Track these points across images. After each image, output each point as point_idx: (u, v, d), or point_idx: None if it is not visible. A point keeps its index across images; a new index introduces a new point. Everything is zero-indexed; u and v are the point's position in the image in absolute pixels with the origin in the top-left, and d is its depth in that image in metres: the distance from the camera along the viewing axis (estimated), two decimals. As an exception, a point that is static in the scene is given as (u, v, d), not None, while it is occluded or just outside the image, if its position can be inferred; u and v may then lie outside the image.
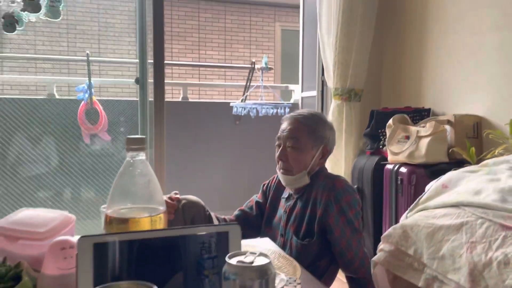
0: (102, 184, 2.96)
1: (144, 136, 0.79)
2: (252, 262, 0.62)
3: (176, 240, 0.75)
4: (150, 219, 0.77)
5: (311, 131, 1.50)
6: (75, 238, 0.99)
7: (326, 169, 1.59)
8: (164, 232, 0.74)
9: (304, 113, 1.55)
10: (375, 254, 1.35)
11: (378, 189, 2.28)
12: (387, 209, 2.21)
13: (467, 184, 1.33)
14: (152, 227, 0.78)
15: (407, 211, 1.42)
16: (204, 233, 0.76)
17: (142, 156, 0.80)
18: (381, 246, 1.31)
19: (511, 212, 1.12)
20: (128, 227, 0.76)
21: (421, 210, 1.34)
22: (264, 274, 0.60)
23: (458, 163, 2.09)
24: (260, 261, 0.62)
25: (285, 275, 1.06)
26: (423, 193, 1.45)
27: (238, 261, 0.62)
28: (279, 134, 1.55)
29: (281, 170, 1.54)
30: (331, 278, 1.55)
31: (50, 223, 0.94)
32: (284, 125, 1.55)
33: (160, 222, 0.79)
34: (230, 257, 0.64)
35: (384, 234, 1.31)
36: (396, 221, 2.13)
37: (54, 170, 2.89)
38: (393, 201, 2.15)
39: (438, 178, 1.49)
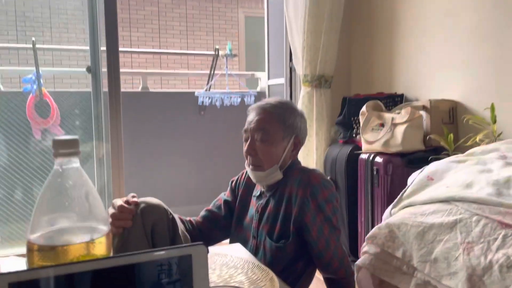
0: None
1: (77, 137, 0.61)
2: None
3: (126, 269, 0.57)
4: (86, 245, 0.59)
5: (280, 120, 1.36)
6: None
7: (299, 162, 1.45)
8: (109, 261, 0.56)
9: (271, 101, 1.40)
10: (351, 251, 1.23)
11: (352, 180, 2.17)
12: (362, 202, 2.10)
13: (455, 176, 1.22)
14: (92, 254, 0.60)
15: (390, 207, 1.30)
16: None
17: (75, 162, 0.62)
18: (365, 248, 1.19)
19: (509, 207, 1.00)
20: (58, 257, 0.58)
21: (407, 206, 1.22)
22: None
23: (435, 151, 2.00)
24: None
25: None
26: (406, 186, 1.34)
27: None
28: (246, 126, 1.39)
29: (250, 166, 1.39)
30: (308, 281, 1.42)
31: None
32: (251, 117, 1.39)
33: (103, 247, 0.62)
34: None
35: (369, 234, 1.18)
36: (373, 215, 2.02)
37: (1, 169, 2.62)
38: (368, 193, 2.04)
39: (421, 169, 1.38)
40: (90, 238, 0.61)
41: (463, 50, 2.06)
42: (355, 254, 2.16)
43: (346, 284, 1.34)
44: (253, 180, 1.42)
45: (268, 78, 3.62)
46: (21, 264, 0.90)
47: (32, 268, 0.58)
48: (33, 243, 0.59)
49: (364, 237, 2.12)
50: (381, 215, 1.99)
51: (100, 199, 0.64)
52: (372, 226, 2.05)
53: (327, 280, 1.43)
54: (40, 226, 0.60)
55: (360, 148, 2.17)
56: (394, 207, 1.27)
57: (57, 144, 0.60)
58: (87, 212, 0.61)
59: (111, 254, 0.64)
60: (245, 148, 1.38)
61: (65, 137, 0.60)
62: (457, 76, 2.09)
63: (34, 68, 2.63)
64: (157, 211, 1.31)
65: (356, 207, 2.15)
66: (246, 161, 1.41)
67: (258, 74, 4.30)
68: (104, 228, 0.63)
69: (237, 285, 0.98)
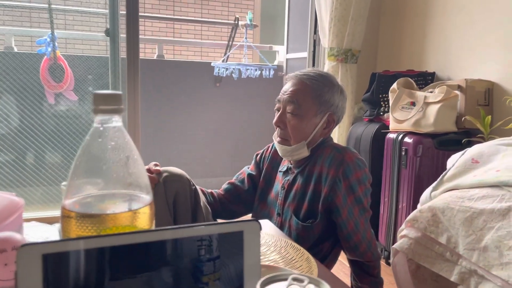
0: (68, 149, 2.66)
1: (120, 93, 0.53)
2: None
3: (166, 242, 0.51)
4: (132, 214, 0.52)
5: (316, 95, 1.26)
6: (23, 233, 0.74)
7: (331, 139, 1.36)
8: (153, 235, 0.49)
9: (311, 73, 1.30)
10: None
11: (377, 160, 2.08)
12: (387, 183, 2.02)
13: (505, 160, 1.13)
14: (134, 226, 0.53)
15: (430, 189, 1.22)
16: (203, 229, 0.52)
17: (117, 121, 0.54)
18: (404, 231, 1.11)
19: None
20: (96, 225, 0.51)
21: (451, 189, 1.14)
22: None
23: (467, 133, 1.91)
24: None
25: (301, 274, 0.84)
26: (447, 169, 1.25)
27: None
28: (279, 96, 1.31)
29: (278, 139, 1.31)
30: (333, 261, 1.37)
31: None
32: (286, 86, 1.31)
33: (145, 218, 0.54)
34: (263, 286, 0.40)
35: (409, 217, 1.10)
36: (397, 197, 1.95)
37: (14, 131, 2.56)
38: (394, 174, 1.96)
39: (463, 151, 1.29)
40: (132, 208, 0.53)
41: (502, 28, 1.94)
42: (375, 236, 2.11)
43: (372, 268, 1.29)
44: (279, 153, 1.35)
45: (287, 52, 3.51)
46: (45, 231, 0.83)
47: (67, 238, 0.51)
48: (68, 210, 0.52)
49: (386, 219, 2.06)
50: (407, 197, 1.91)
51: (143, 164, 0.56)
52: (397, 208, 1.98)
53: (352, 262, 1.37)
54: (77, 191, 0.53)
55: (387, 127, 2.08)
56: (434, 189, 1.19)
57: (98, 98, 0.52)
58: (129, 177, 0.54)
59: (153, 227, 0.57)
60: (275, 118, 1.31)
61: (106, 91, 0.52)
62: (495, 55, 1.98)
63: (46, 31, 2.54)
64: (180, 181, 1.25)
65: (380, 188, 2.08)
66: (275, 132, 1.34)
67: (276, 47, 4.18)
68: (147, 197, 0.56)
69: (272, 263, 0.92)
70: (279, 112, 1.29)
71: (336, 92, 1.29)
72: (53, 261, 0.46)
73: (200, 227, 0.52)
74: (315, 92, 1.26)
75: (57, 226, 0.88)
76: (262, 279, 0.41)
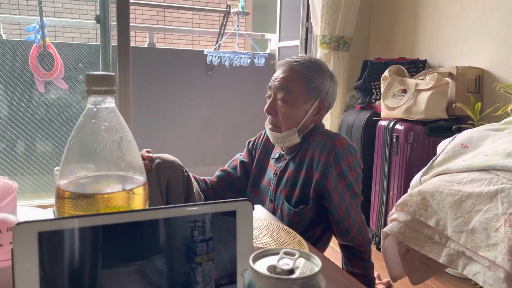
0: (59, 137, 2.64)
1: (113, 74, 0.53)
2: (292, 271, 0.40)
3: (160, 222, 0.51)
4: (126, 194, 0.53)
5: (306, 81, 1.26)
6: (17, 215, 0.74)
7: (323, 125, 1.37)
8: (146, 214, 0.50)
9: (301, 59, 1.30)
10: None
11: (369, 148, 2.10)
12: (378, 170, 2.04)
13: (494, 145, 1.15)
14: (128, 206, 0.53)
15: (420, 174, 1.24)
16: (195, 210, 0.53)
17: (110, 102, 0.54)
18: (394, 215, 1.13)
19: (557, 178, 0.94)
20: (91, 205, 0.52)
21: (441, 173, 1.16)
22: (313, 289, 0.38)
23: (458, 120, 1.93)
24: (304, 268, 0.40)
25: (292, 249, 0.86)
26: (437, 154, 1.27)
27: (270, 268, 0.40)
28: (270, 83, 1.31)
29: (269, 126, 1.31)
30: (324, 246, 1.39)
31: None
32: (277, 73, 1.31)
33: (139, 199, 0.55)
34: (255, 260, 0.41)
35: (399, 201, 1.12)
36: (388, 183, 1.97)
37: (4, 120, 2.54)
38: (386, 161, 1.98)
39: (453, 137, 1.30)
40: (126, 188, 0.54)
41: (493, 16, 1.95)
42: (367, 222, 2.13)
43: (363, 252, 1.30)
44: (271, 140, 1.36)
45: (279, 40, 3.50)
46: (38, 215, 0.84)
47: (63, 217, 0.51)
48: (63, 190, 0.52)
49: (377, 205, 2.09)
50: (398, 183, 1.94)
51: (136, 146, 0.57)
52: (388, 195, 2.00)
53: (343, 247, 1.39)
54: (71, 172, 0.53)
55: (378, 115, 2.09)
56: (424, 174, 1.21)
57: (91, 79, 0.52)
58: (123, 158, 0.54)
59: (147, 207, 0.58)
60: (266, 105, 1.31)
61: (99, 72, 0.52)
62: (486, 43, 1.99)
63: (35, 18, 2.50)
64: (173, 167, 1.25)
65: (371, 174, 2.10)
66: (266, 120, 1.34)
67: (268, 35, 4.16)
68: (141, 178, 0.56)
69: (264, 246, 0.93)
70: (270, 99, 1.30)
71: (326, 78, 1.29)
72: (49, 239, 0.46)
73: (193, 207, 0.53)
74: (305, 78, 1.26)
75: (50, 210, 0.88)
76: (254, 253, 0.42)
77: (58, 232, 0.46)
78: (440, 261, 1.02)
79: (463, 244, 0.98)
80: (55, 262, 0.46)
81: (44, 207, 0.99)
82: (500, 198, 0.97)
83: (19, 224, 0.44)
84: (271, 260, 0.41)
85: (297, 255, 0.41)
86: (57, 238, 0.46)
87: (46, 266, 0.45)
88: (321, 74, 1.28)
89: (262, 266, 0.40)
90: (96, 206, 0.53)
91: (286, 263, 0.40)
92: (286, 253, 0.41)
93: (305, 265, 0.41)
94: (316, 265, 0.41)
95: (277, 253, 0.42)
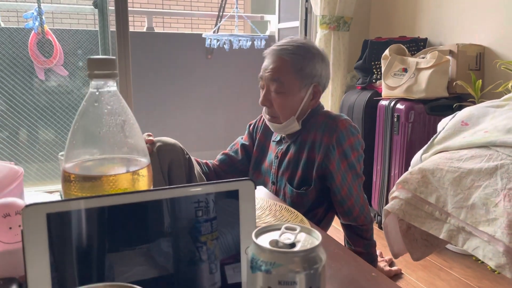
0: (61, 124, 2.66)
1: (114, 57, 0.54)
2: (294, 244, 0.41)
3: (164, 202, 0.53)
4: (130, 176, 0.54)
5: (297, 69, 1.23)
6: (24, 199, 0.76)
7: (322, 106, 1.36)
8: (151, 194, 0.51)
9: (289, 46, 1.25)
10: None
11: (370, 128, 2.11)
12: (379, 150, 2.05)
13: (494, 121, 1.15)
14: (133, 188, 0.55)
15: (420, 152, 1.25)
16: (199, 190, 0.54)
17: (112, 86, 0.55)
18: (395, 193, 1.14)
19: (556, 153, 0.95)
20: (96, 187, 0.53)
21: (441, 151, 1.17)
22: (313, 262, 0.40)
23: (459, 98, 1.93)
24: (305, 242, 0.41)
25: (293, 224, 0.87)
26: (438, 132, 1.28)
27: (272, 243, 0.41)
28: (261, 73, 1.29)
29: (267, 117, 1.31)
30: (327, 226, 1.41)
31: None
32: (267, 63, 1.27)
33: (144, 180, 0.56)
34: (257, 235, 0.43)
35: (399, 179, 1.13)
36: (390, 163, 1.98)
37: (6, 108, 2.55)
38: (387, 141, 1.99)
39: (453, 115, 1.31)
40: (130, 170, 0.55)
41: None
42: (369, 201, 2.15)
43: (365, 231, 1.32)
44: (272, 130, 1.36)
45: (279, 22, 3.47)
46: (46, 198, 0.85)
47: (69, 198, 0.53)
48: (69, 173, 0.54)
49: (379, 185, 2.11)
50: (399, 163, 1.95)
51: (139, 128, 0.58)
52: (389, 175, 2.02)
53: (345, 226, 1.41)
54: (76, 155, 0.55)
55: (379, 95, 2.09)
56: (425, 152, 1.22)
57: (93, 63, 0.53)
58: (126, 141, 0.55)
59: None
60: (260, 98, 1.30)
61: (100, 56, 0.53)
62: (486, 20, 1.98)
63: (33, 5, 2.48)
64: (174, 150, 1.26)
65: (372, 155, 2.11)
66: (263, 110, 1.33)
67: (267, 17, 4.12)
68: (144, 160, 0.58)
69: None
70: (264, 91, 1.27)
71: (317, 62, 1.26)
72: (57, 220, 0.47)
73: (196, 187, 0.54)
74: (296, 66, 1.22)
75: (57, 194, 0.90)
76: (257, 229, 0.43)
77: (66, 213, 0.48)
78: (441, 237, 1.04)
79: (463, 219, 0.99)
80: (64, 242, 0.48)
81: (49, 193, 1.01)
82: (499, 174, 0.98)
83: (28, 206, 0.46)
84: (273, 235, 0.42)
85: (298, 230, 0.42)
86: (65, 219, 0.47)
87: (55, 246, 0.47)
88: (311, 59, 1.25)
89: (264, 240, 0.41)
90: (102, 188, 0.54)
91: (287, 238, 0.42)
92: (287, 228, 0.43)
93: (306, 239, 0.42)
94: (316, 238, 0.42)
95: (279, 229, 0.43)
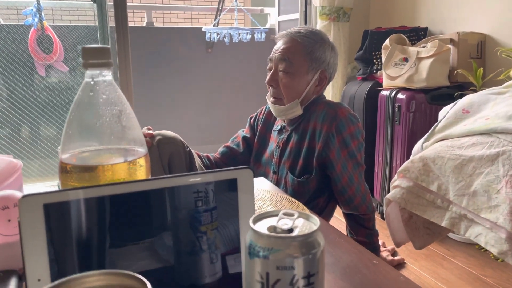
0: (62, 120, 2.66)
1: (109, 46, 0.54)
2: (291, 230, 0.41)
3: (163, 192, 0.52)
4: (128, 165, 0.54)
5: (307, 52, 1.26)
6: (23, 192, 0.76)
7: (324, 96, 1.38)
8: (149, 183, 0.51)
9: (301, 30, 1.30)
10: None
11: (371, 119, 2.10)
12: (381, 140, 2.05)
13: (495, 108, 1.15)
14: (131, 177, 0.55)
15: (421, 141, 1.24)
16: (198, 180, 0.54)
17: (107, 75, 0.54)
18: (396, 182, 1.14)
19: (558, 139, 0.94)
20: (94, 178, 0.53)
21: (442, 139, 1.16)
22: (311, 247, 0.40)
23: (460, 87, 1.91)
24: (303, 227, 0.41)
25: (291, 210, 0.87)
26: (438, 120, 1.27)
27: (270, 229, 0.41)
28: (271, 55, 1.31)
29: (271, 98, 1.32)
30: (329, 216, 1.41)
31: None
32: (278, 45, 1.30)
33: (141, 170, 0.56)
34: (255, 222, 0.42)
35: (401, 168, 1.13)
36: (391, 153, 1.98)
37: (7, 105, 2.55)
38: (388, 131, 1.98)
39: (454, 103, 1.30)
40: (128, 159, 0.55)
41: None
42: (371, 192, 2.15)
43: (367, 220, 1.32)
44: (273, 113, 1.36)
45: (279, 14, 3.45)
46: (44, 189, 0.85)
47: (66, 188, 0.53)
48: (66, 163, 0.53)
49: (381, 175, 2.10)
50: (401, 153, 1.94)
51: (136, 118, 0.57)
52: (391, 164, 2.01)
53: (347, 216, 1.41)
54: (73, 146, 0.54)
55: (380, 85, 2.08)
56: (426, 141, 1.21)
57: (87, 52, 0.53)
58: (123, 131, 0.55)
59: (150, 178, 0.59)
60: (267, 77, 1.31)
61: (95, 45, 0.53)
62: (486, 7, 1.96)
63: (32, 1, 2.48)
64: (174, 144, 1.27)
65: (374, 145, 2.10)
66: (268, 92, 1.34)
67: (267, 9, 4.11)
68: (141, 150, 0.57)
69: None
70: (271, 71, 1.30)
71: (327, 49, 1.29)
72: (54, 210, 0.47)
73: (194, 176, 0.54)
74: (306, 49, 1.25)
75: (54, 185, 0.90)
76: (254, 215, 0.43)
77: (63, 203, 0.47)
78: (443, 225, 1.03)
79: (465, 207, 0.99)
80: (62, 233, 0.48)
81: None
82: (501, 161, 0.97)
83: (24, 196, 0.45)
84: (271, 221, 0.42)
85: (296, 215, 0.42)
86: (62, 210, 0.47)
87: (53, 237, 0.46)
88: (322, 44, 1.28)
89: (262, 226, 0.41)
90: (99, 178, 0.54)
91: (285, 223, 0.41)
92: (285, 214, 0.42)
93: (304, 224, 0.42)
94: (314, 224, 0.42)
95: (277, 215, 0.43)
